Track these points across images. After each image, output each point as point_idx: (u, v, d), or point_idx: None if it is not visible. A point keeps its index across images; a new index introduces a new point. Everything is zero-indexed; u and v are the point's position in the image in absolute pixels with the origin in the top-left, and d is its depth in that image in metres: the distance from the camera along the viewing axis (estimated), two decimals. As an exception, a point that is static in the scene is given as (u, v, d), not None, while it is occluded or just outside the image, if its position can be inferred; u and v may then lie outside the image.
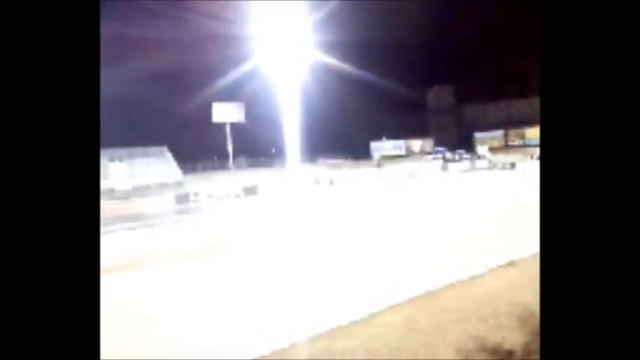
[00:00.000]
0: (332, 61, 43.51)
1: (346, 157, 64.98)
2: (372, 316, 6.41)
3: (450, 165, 39.03)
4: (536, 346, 4.78)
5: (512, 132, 63.78)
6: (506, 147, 60.06)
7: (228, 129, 33.23)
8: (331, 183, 33.25)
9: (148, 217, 22.85)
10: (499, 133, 65.46)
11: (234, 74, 37.54)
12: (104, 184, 32.76)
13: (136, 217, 22.58)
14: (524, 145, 55.25)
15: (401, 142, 70.51)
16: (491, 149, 49.15)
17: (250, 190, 29.94)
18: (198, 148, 56.57)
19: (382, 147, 70.17)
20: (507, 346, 5.10)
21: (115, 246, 14.93)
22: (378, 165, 44.54)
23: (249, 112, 34.53)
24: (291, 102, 36.75)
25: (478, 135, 65.17)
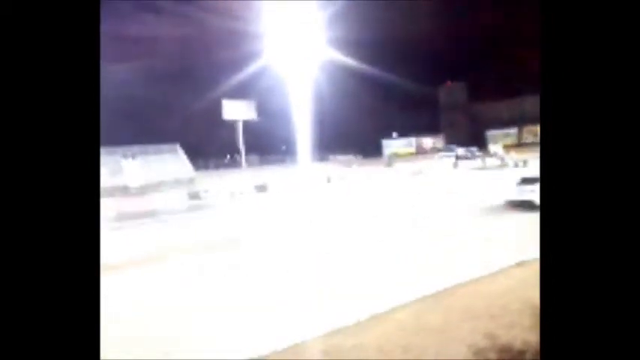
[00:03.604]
0: (344, 58, 43.40)
1: (357, 155, 64.87)
2: (382, 313, 6.42)
3: (462, 163, 38.70)
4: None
5: (525, 129, 63.03)
6: (520, 145, 59.36)
7: (240, 126, 33.40)
8: (342, 178, 33.26)
9: (160, 213, 23.10)
10: (512, 130, 64.76)
11: (246, 72, 37.67)
12: (117, 181, 33.21)
13: (149, 214, 22.83)
14: (538, 143, 54.42)
15: (412, 140, 70.20)
16: (504, 147, 48.58)
17: (261, 188, 30.08)
18: (210, 145, 57.03)
19: (393, 144, 69.90)
20: (518, 345, 5.07)
21: (128, 242, 15.15)
22: (389, 163, 44.35)
23: (260, 110, 34.70)
24: (302, 99, 36.75)
25: (491, 132, 64.54)
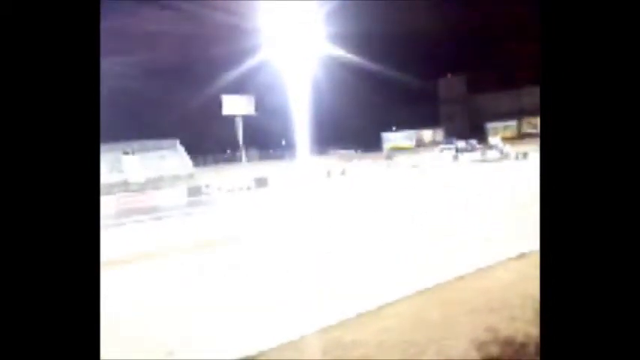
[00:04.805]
0: (342, 52, 43.21)
1: (357, 149, 64.79)
2: (382, 307, 6.43)
3: (461, 155, 38.65)
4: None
5: (525, 121, 62.84)
6: (520, 136, 59.30)
7: (239, 121, 33.37)
8: (343, 173, 33.28)
9: (161, 209, 23.11)
10: (512, 122, 64.60)
11: (244, 66, 37.53)
12: (118, 177, 33.18)
13: (150, 210, 22.85)
14: (538, 135, 54.24)
15: (412, 133, 70.03)
16: (504, 139, 48.46)
17: (261, 182, 30.08)
18: (209, 140, 56.96)
19: (393, 138, 69.77)
20: (520, 338, 5.08)
21: (129, 238, 15.17)
22: (388, 157, 44.27)
23: (259, 105, 34.64)
24: (301, 94, 36.64)
25: (491, 125, 64.39)
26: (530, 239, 8.54)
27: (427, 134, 70.47)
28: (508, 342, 5.04)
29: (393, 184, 25.20)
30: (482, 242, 9.80)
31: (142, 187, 31.33)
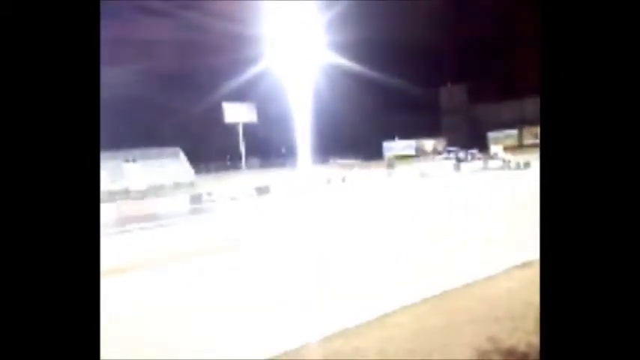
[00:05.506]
0: (343, 61, 43.47)
1: (358, 158, 64.82)
2: (384, 316, 6.39)
3: (463, 165, 38.65)
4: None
5: (527, 131, 62.88)
6: (521, 146, 59.29)
7: (240, 129, 33.51)
8: (343, 180, 33.29)
9: (162, 216, 23.10)
10: (513, 132, 64.67)
11: (246, 74, 37.76)
12: (119, 185, 33.25)
13: (151, 217, 22.84)
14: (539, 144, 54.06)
15: (413, 142, 70.08)
16: (506, 148, 48.42)
17: (262, 190, 30.10)
18: (211, 148, 57.11)
19: (394, 147, 69.77)
20: (522, 347, 5.04)
21: (131, 245, 15.14)
22: (389, 165, 44.29)
23: (261, 113, 34.80)
24: (302, 102, 36.80)
25: (492, 134, 64.44)
26: (533, 248, 8.51)
27: (428, 143, 70.51)
28: (510, 352, 5.00)
29: (394, 190, 25.18)
30: (482, 242, 9.80)
31: (144, 195, 31.38)
